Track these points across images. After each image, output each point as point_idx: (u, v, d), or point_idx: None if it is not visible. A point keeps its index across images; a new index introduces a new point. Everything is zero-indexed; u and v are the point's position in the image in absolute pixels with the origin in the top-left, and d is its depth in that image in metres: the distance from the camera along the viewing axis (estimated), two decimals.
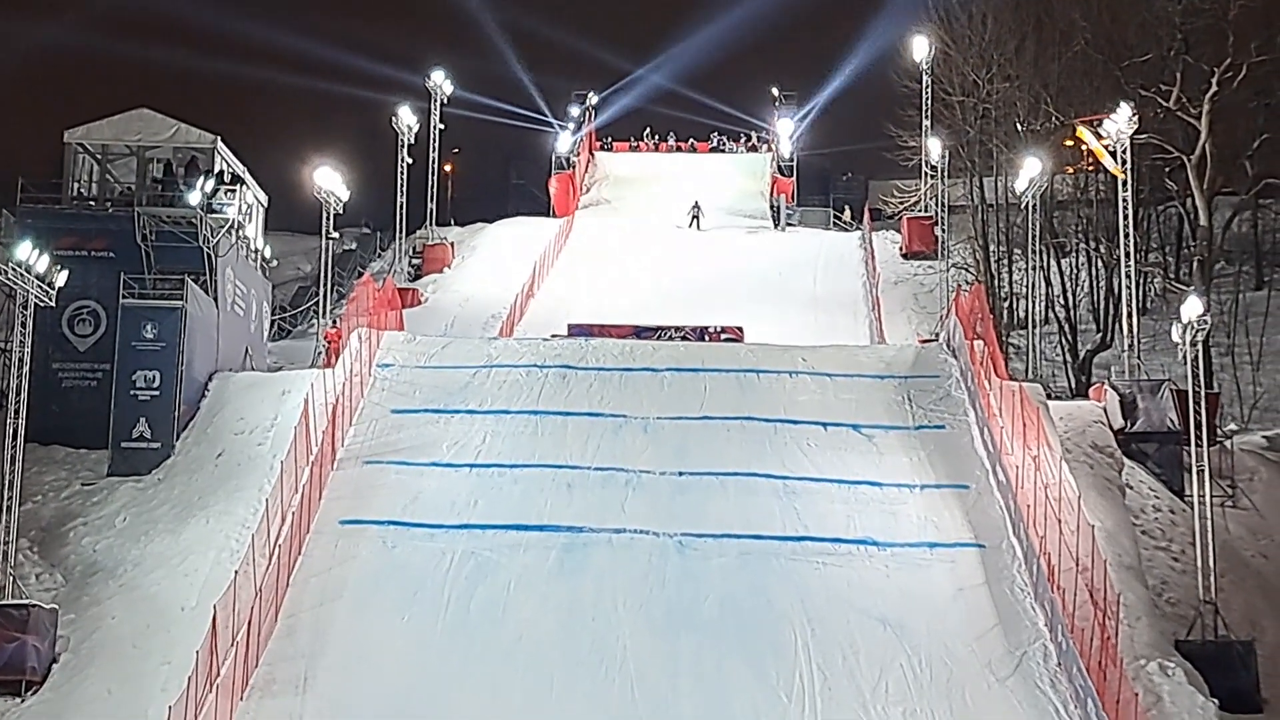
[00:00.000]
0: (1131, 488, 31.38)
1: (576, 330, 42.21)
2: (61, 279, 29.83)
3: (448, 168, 66.79)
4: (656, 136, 69.61)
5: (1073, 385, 42.73)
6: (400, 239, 53.70)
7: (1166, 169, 46.45)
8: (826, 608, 27.14)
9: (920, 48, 51.34)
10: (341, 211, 43.50)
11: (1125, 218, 36.59)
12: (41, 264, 29.08)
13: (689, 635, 26.50)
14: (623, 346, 38.16)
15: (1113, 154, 36.11)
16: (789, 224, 60.80)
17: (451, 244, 56.08)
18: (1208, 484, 28.54)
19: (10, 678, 25.91)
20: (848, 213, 63.99)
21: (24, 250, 28.61)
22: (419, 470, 31.72)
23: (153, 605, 27.52)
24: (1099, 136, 36.66)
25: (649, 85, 71.68)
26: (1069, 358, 44.71)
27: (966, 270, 48.62)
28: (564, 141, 65.33)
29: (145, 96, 38.71)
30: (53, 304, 30.24)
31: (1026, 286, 44.69)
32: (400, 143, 52.52)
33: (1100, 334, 44.66)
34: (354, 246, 62.41)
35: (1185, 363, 29.20)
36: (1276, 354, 46.23)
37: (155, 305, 34.08)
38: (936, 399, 34.78)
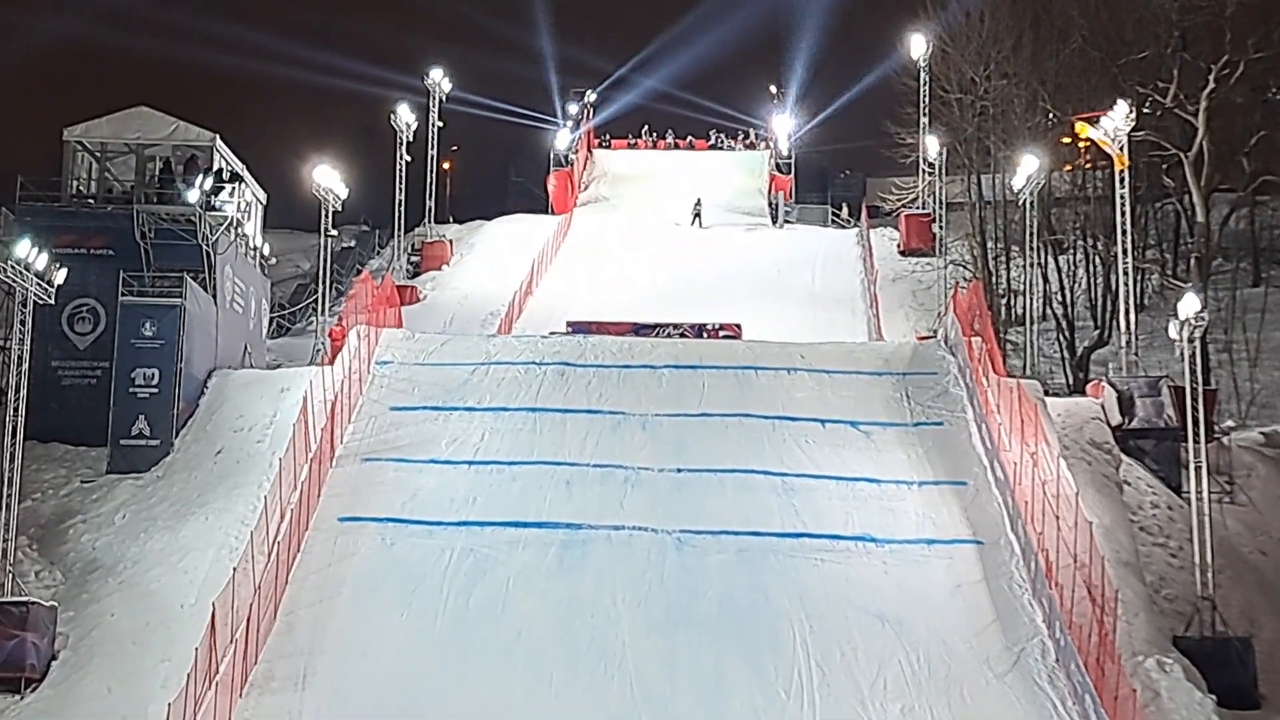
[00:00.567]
0: (1129, 484, 31.34)
1: (575, 327, 42.28)
2: (61, 277, 29.87)
3: (446, 165, 66.83)
4: (655, 134, 69.62)
5: (1070, 382, 42.70)
6: (399, 236, 53.73)
7: (1164, 166, 46.42)
8: (825, 604, 27.15)
9: (918, 45, 51.44)
10: (340, 209, 43.48)
11: (1123, 214, 36.57)
12: (41, 262, 29.11)
13: (687, 631, 26.51)
14: (621, 344, 38.20)
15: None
16: (787, 221, 60.89)
17: (450, 241, 56.09)
18: (1205, 480, 28.47)
19: (10, 675, 25.90)
20: (846, 210, 64.03)
21: (23, 248, 28.63)
22: (418, 467, 31.73)
23: (152, 602, 27.54)
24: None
25: (647, 83, 71.83)
26: (1067, 354, 44.69)
27: (964, 267, 48.56)
28: (562, 139, 65.36)
29: (144, 94, 38.94)
30: (52, 302, 30.27)
31: (1024, 283, 44.71)
32: (399, 140, 52.50)
33: (1098, 331, 44.66)
34: (353, 244, 62.38)
35: (1183, 359, 29.12)
36: (1274, 350, 46.16)
37: (154, 303, 34.12)
38: (934, 396, 34.80)
